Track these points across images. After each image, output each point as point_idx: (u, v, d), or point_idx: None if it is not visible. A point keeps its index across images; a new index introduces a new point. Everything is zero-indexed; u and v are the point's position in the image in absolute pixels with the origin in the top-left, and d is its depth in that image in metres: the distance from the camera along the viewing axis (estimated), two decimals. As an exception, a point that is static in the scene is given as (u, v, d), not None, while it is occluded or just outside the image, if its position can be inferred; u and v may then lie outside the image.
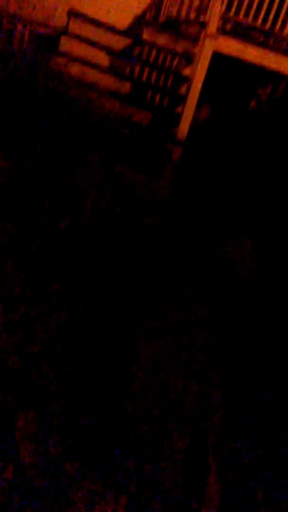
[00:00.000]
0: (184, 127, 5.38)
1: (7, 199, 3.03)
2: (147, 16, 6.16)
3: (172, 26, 6.12)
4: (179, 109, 5.52)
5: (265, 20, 5.87)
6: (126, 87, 5.36)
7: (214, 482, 1.64)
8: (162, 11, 6.26)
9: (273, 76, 6.28)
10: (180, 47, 5.76)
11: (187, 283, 2.98)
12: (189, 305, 2.74)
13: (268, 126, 6.42)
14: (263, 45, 5.81)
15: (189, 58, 5.67)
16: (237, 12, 5.83)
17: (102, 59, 5.34)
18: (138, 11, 6.08)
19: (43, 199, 3.15)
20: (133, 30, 5.97)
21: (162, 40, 5.79)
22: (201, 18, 5.89)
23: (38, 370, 1.82)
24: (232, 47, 5.77)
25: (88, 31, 5.37)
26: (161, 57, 5.67)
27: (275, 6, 5.79)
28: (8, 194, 3.08)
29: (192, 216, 3.92)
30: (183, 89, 5.61)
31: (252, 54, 5.87)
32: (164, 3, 6.22)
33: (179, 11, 6.26)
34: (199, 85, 5.31)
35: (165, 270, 3.01)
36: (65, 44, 5.23)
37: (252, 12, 5.81)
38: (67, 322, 2.17)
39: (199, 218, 3.89)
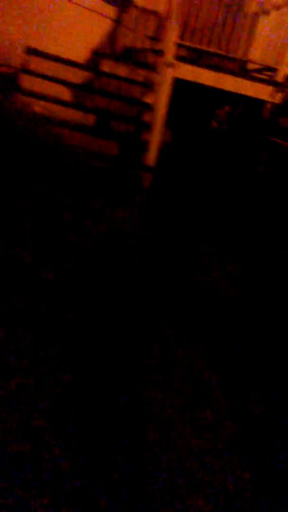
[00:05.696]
0: (152, 153, 5.27)
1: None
2: (105, 48, 6.06)
3: (130, 56, 6.05)
4: (145, 135, 5.42)
5: (218, 45, 5.88)
6: (91, 119, 5.22)
7: None
8: (118, 42, 6.19)
9: (233, 96, 6.28)
10: (139, 76, 5.68)
11: (178, 321, 2.82)
12: (187, 349, 2.58)
13: (229, 143, 6.41)
14: (218, 68, 5.80)
15: (150, 86, 5.59)
16: (191, 39, 5.81)
17: (65, 93, 5.18)
18: (95, 44, 5.97)
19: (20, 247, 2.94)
20: (93, 62, 5.85)
21: (121, 70, 5.70)
22: (157, 47, 5.84)
23: (49, 453, 1.60)
24: (188, 72, 5.73)
25: (48, 67, 5.20)
26: (122, 87, 5.56)
27: (227, 31, 5.81)
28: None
29: (172, 243, 3.78)
30: (147, 116, 5.52)
31: (208, 77, 5.85)
32: (118, 35, 6.15)
33: (133, 41, 6.20)
34: (163, 111, 5.23)
35: (155, 309, 2.85)
36: (26, 81, 5.04)
37: (206, 39, 5.81)
38: (70, 386, 1.97)
39: (179, 245, 3.75)
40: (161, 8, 6.36)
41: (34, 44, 5.28)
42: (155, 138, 5.21)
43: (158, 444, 1.83)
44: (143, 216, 4.16)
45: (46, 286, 2.60)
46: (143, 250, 3.39)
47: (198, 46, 5.98)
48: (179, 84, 5.84)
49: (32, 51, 5.23)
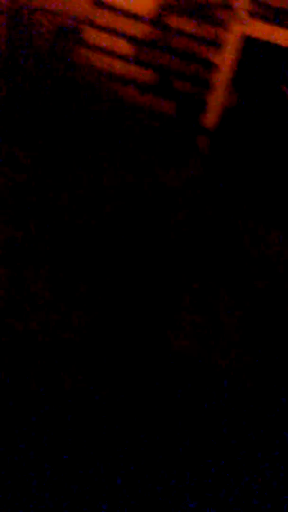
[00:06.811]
0: (212, 116, 5.04)
1: (29, 197, 2.83)
2: (173, 1, 5.78)
3: (198, 11, 5.73)
4: (207, 97, 5.17)
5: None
6: (152, 76, 5.05)
7: None
8: (189, -4, 5.87)
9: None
10: (207, 32, 5.37)
11: (219, 283, 2.71)
12: (219, 308, 2.48)
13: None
14: (296, 27, 5.35)
15: (218, 44, 5.29)
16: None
17: (127, 48, 5.04)
18: (163, -3, 5.70)
19: (65, 196, 2.93)
20: (159, 17, 5.61)
21: (188, 26, 5.42)
22: (230, 2, 5.48)
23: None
24: (261, 30, 5.34)
25: (113, 21, 5.06)
26: (187, 44, 5.31)
27: (308, -16, 5.31)
28: (30, 193, 2.88)
29: (224, 209, 3.62)
30: (211, 76, 5.25)
31: (283, 37, 5.44)
32: (191, -12, 5.83)
33: (206, -5, 5.85)
34: (228, 72, 4.95)
35: (196, 268, 2.75)
36: (89, 35, 4.95)
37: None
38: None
39: (231, 212, 3.58)
40: None
41: (102, -4, 5.15)
42: (217, 101, 4.96)
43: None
44: (193, 177, 4.02)
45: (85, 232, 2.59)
46: (188, 208, 3.29)
47: (275, 3, 5.54)
48: (250, 44, 5.48)
49: (99, 3, 5.11)
